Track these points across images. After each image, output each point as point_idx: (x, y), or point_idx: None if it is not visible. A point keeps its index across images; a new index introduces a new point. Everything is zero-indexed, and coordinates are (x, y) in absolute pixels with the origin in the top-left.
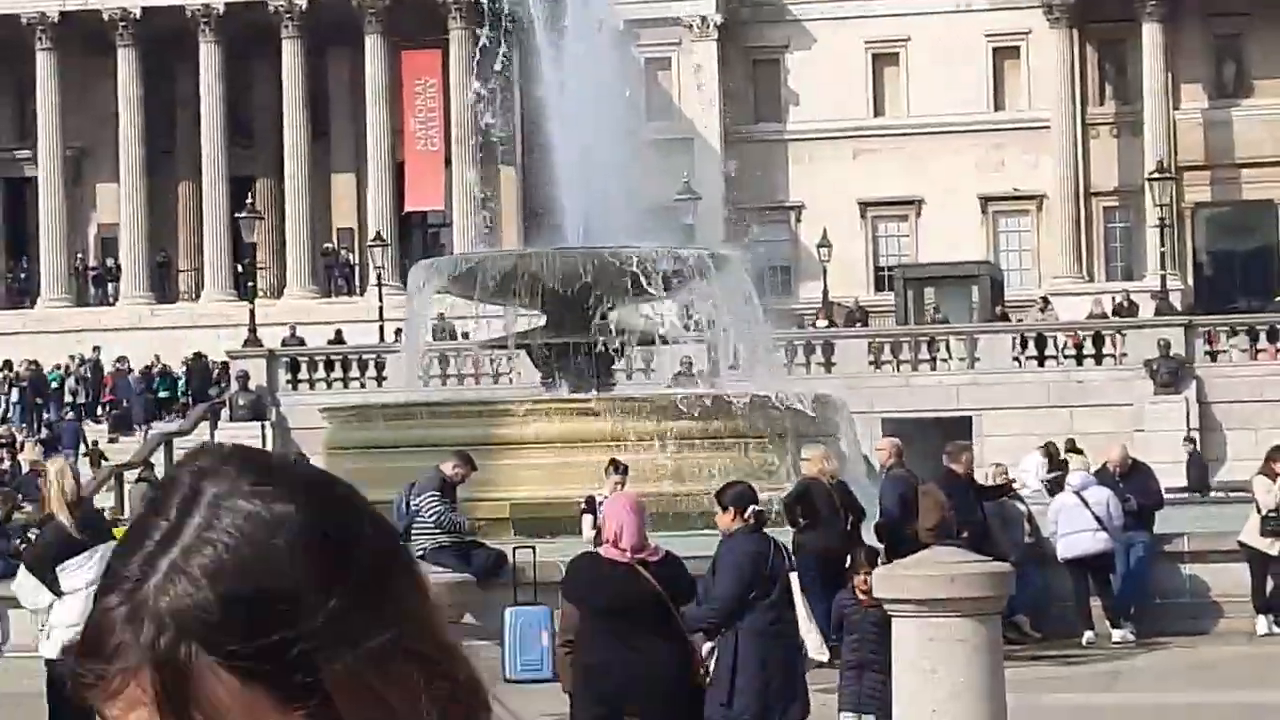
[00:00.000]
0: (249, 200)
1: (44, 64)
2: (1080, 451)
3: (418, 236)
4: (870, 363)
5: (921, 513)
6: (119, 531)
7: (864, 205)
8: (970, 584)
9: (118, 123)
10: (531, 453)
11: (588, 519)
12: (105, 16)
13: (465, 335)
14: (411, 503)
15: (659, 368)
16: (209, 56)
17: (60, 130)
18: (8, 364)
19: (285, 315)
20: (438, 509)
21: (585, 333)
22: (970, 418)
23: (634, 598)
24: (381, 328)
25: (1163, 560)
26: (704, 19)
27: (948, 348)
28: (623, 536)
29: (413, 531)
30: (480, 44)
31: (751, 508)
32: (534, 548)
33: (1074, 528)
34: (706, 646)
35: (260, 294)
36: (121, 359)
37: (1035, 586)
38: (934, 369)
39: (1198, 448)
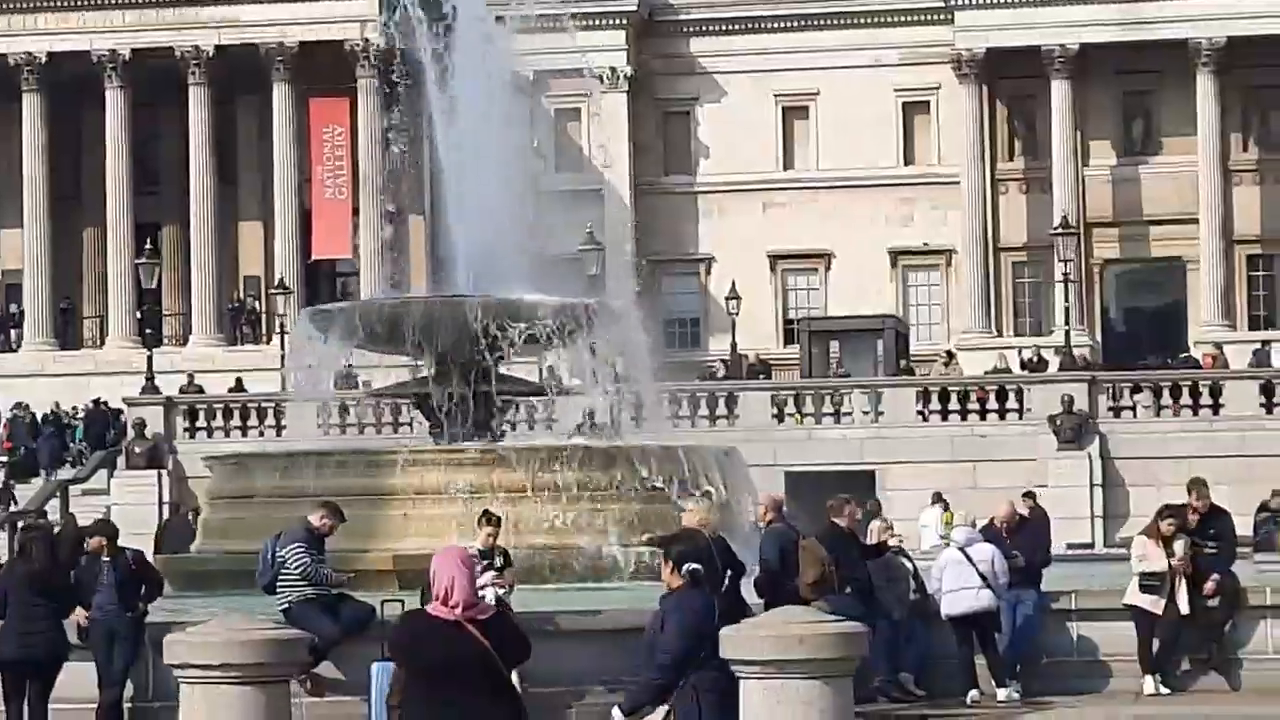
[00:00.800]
0: (148, 245)
1: None
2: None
3: (325, 285)
4: (773, 415)
5: (802, 568)
6: None
7: (774, 258)
8: (820, 645)
9: (23, 168)
10: (414, 503)
11: None
12: (11, 62)
13: (366, 384)
14: (277, 554)
15: (561, 418)
16: (115, 102)
17: None
18: None
19: (189, 364)
20: (304, 560)
21: (472, 383)
22: (873, 471)
23: (461, 657)
24: (284, 377)
25: (1051, 618)
26: (614, 70)
27: (851, 401)
28: (453, 592)
29: (278, 584)
30: (387, 91)
31: (688, 566)
32: (402, 601)
33: (958, 584)
34: (660, 711)
35: (166, 341)
36: (19, 405)
37: (920, 644)
38: (837, 422)
39: None
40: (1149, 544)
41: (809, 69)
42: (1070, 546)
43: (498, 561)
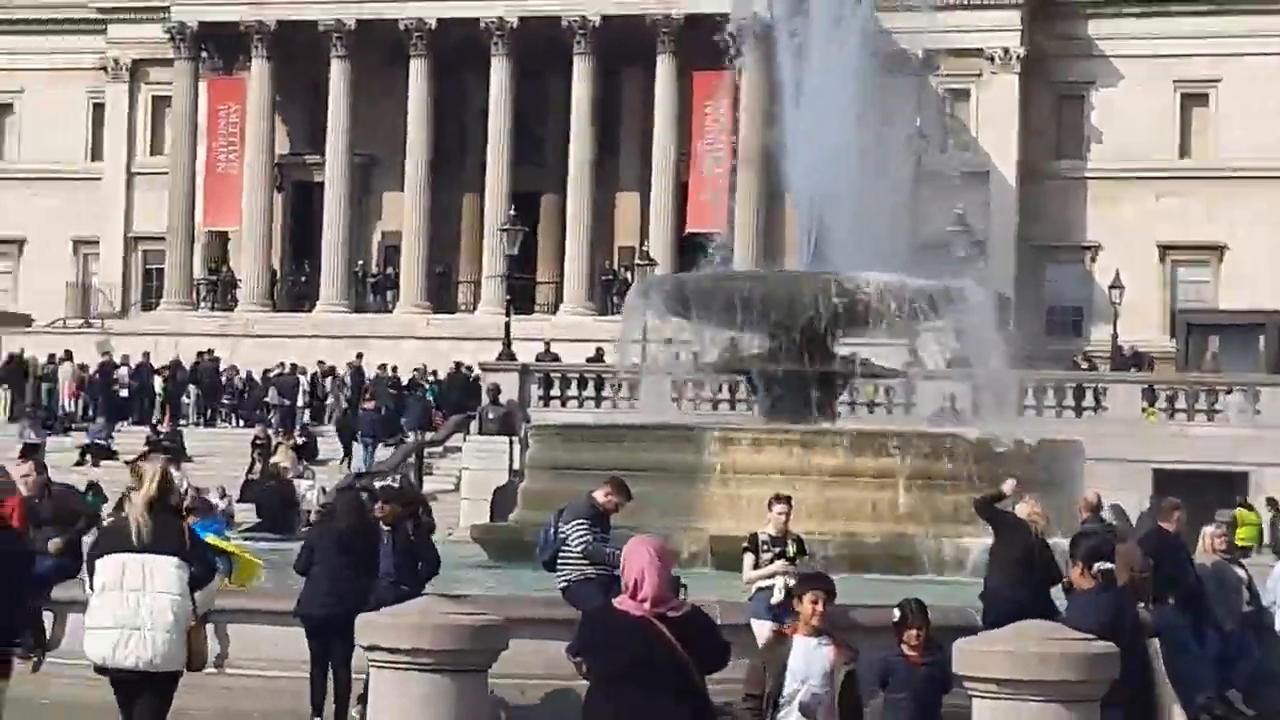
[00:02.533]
0: (511, 211)
1: (338, 71)
2: None
3: (699, 259)
4: (1143, 410)
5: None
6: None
7: (1163, 248)
8: (1062, 665)
9: (406, 132)
10: (731, 482)
11: (749, 558)
12: (401, 26)
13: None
14: (559, 530)
15: (919, 403)
16: (500, 70)
17: (350, 137)
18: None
19: (558, 331)
20: (586, 538)
21: (809, 361)
22: (1247, 473)
23: (647, 657)
24: (644, 348)
25: None
26: (1007, 51)
27: (1226, 398)
28: (642, 585)
29: (558, 562)
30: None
31: (1098, 564)
32: (685, 585)
33: None
34: None
35: (538, 309)
36: (383, 366)
37: (1252, 659)
38: (1210, 420)
39: None
40: None
41: (1211, 55)
42: None
43: (790, 549)
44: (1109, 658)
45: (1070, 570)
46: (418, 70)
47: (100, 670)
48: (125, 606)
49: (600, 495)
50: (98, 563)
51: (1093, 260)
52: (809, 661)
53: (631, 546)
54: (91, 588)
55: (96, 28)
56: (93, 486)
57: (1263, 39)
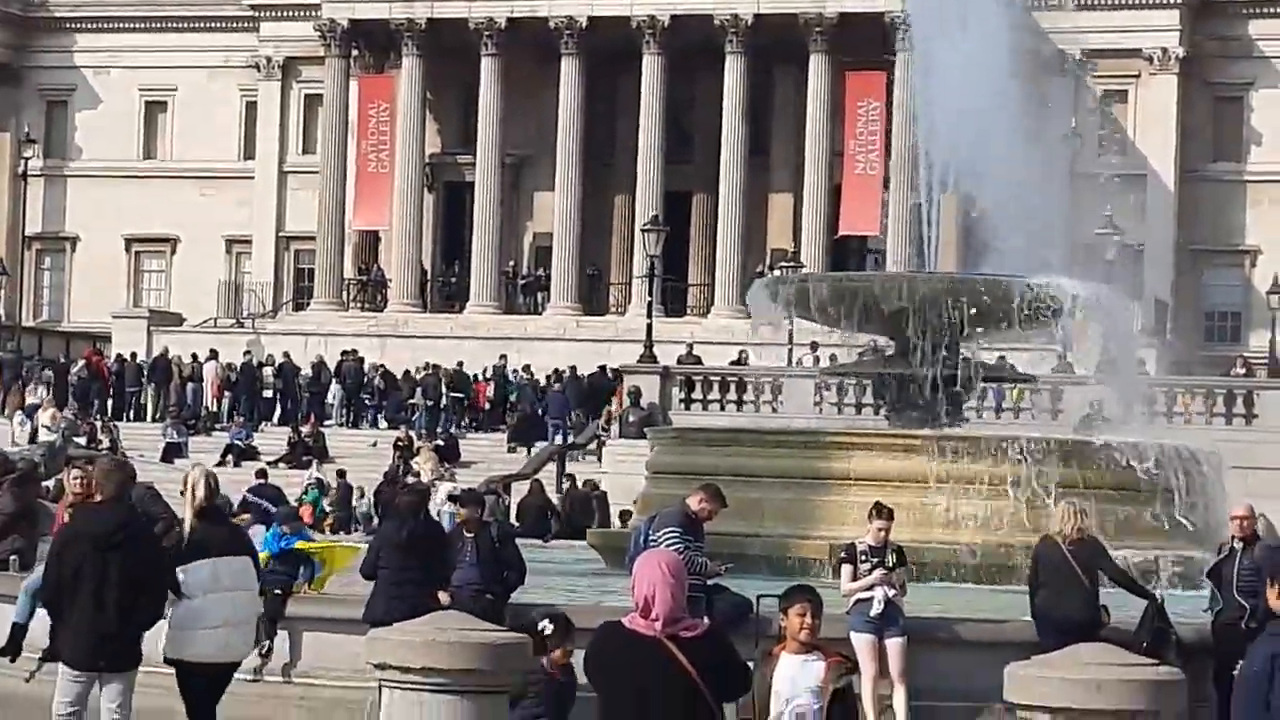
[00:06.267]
0: (653, 213)
1: (488, 70)
2: None
3: (853, 261)
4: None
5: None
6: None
7: None
8: (1123, 693)
9: (557, 131)
10: (854, 489)
11: (847, 569)
12: (551, 25)
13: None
14: (651, 538)
15: (1066, 409)
16: (651, 69)
17: (501, 137)
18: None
19: (708, 334)
20: (676, 547)
21: (933, 365)
22: None
23: (656, 680)
24: (790, 351)
25: None
26: (1165, 51)
27: None
28: (654, 604)
29: None
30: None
31: None
32: (729, 566)
33: None
34: None
35: (690, 311)
36: (526, 368)
37: None
38: None
39: None
40: None
41: None
42: None
43: (890, 559)
44: (1174, 685)
45: (1271, 594)
46: (569, 69)
47: (186, 666)
48: (227, 606)
49: (694, 502)
50: (189, 567)
51: (1252, 265)
52: (795, 679)
53: (643, 561)
54: (184, 593)
55: (249, 25)
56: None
57: None
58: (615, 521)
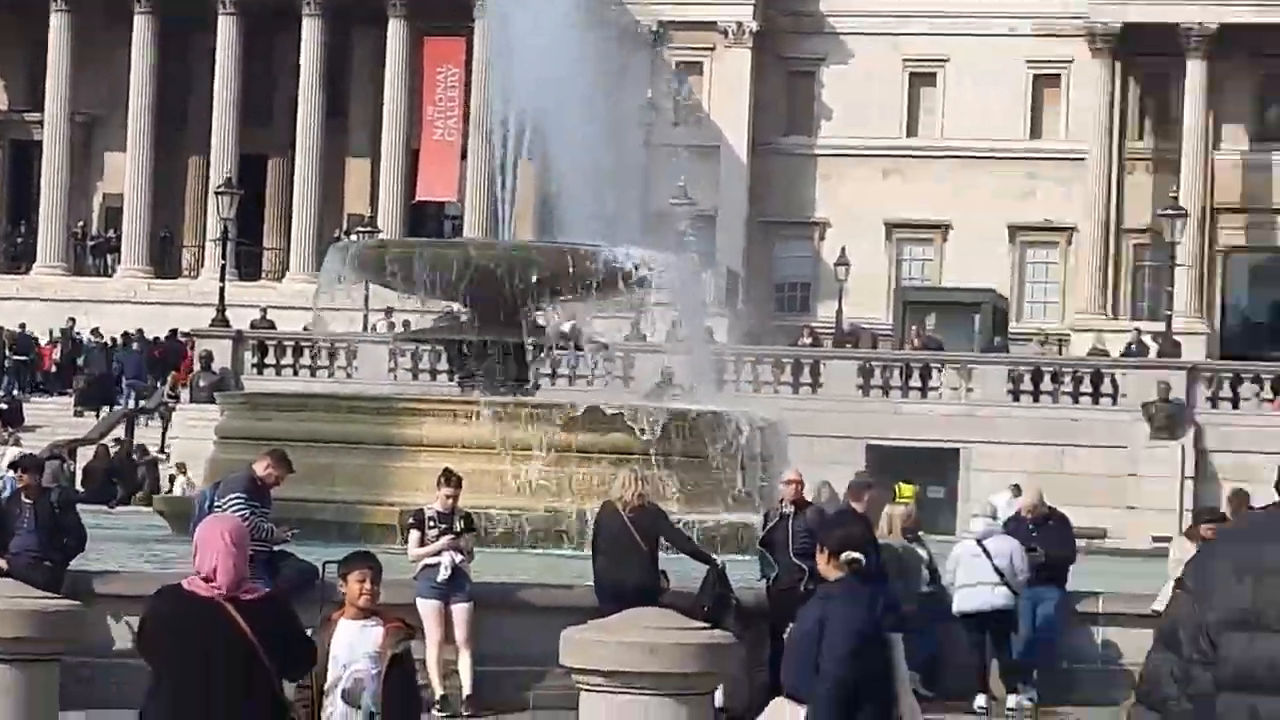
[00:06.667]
0: (227, 174)
1: (58, 26)
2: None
3: (431, 227)
4: (859, 386)
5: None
6: None
7: (890, 226)
8: (677, 657)
9: (129, 91)
10: (425, 455)
11: (415, 535)
12: None
13: (406, 325)
14: (215, 505)
15: (638, 376)
16: (227, 29)
17: (71, 95)
18: None
19: (284, 299)
20: (242, 513)
21: (506, 331)
22: (958, 449)
23: (215, 645)
24: (365, 317)
25: (1074, 621)
26: (740, 25)
27: (940, 376)
28: (217, 570)
29: None
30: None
31: (846, 554)
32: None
33: (973, 579)
34: None
35: (264, 275)
36: (95, 331)
37: (930, 642)
38: (924, 397)
39: None
40: (1188, 546)
41: (939, 34)
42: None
43: (457, 525)
44: (726, 649)
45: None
46: (141, 27)
47: None
48: None
49: (260, 467)
50: None
51: (821, 238)
52: (353, 645)
53: (205, 527)
54: None
55: None
56: None
57: (989, 20)
58: (166, 485)
